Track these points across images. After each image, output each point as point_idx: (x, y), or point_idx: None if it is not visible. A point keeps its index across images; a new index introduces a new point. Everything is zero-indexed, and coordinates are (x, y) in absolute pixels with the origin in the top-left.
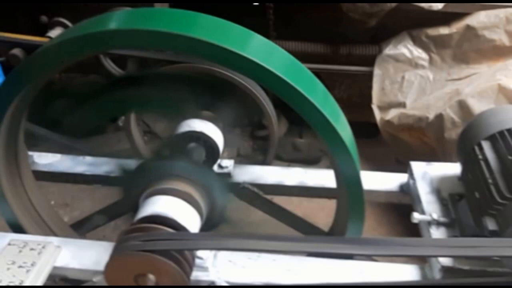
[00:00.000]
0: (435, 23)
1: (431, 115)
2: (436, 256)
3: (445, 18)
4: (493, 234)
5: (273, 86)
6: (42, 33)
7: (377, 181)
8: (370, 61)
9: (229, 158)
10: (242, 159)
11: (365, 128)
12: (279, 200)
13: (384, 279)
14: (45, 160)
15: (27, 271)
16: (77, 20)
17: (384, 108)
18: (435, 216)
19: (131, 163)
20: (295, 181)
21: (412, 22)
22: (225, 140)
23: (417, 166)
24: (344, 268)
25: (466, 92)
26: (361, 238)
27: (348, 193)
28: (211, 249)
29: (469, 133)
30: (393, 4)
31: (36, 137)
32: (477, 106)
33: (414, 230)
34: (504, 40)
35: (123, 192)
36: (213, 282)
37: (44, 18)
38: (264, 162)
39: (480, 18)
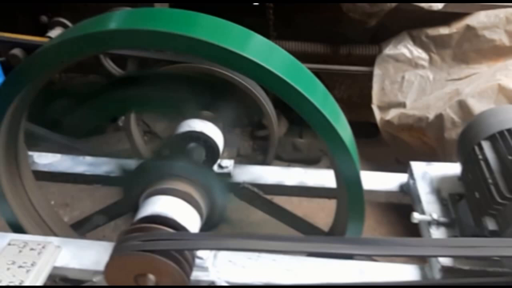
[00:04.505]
0: (435, 23)
1: (431, 115)
2: (436, 256)
3: (445, 18)
4: (493, 234)
5: (273, 86)
6: (42, 33)
7: (377, 181)
8: (370, 61)
9: (229, 158)
10: (242, 159)
11: (365, 128)
12: (279, 200)
13: (384, 279)
14: (45, 160)
15: (27, 271)
16: (77, 20)
17: (384, 108)
18: (435, 216)
19: (131, 163)
20: (295, 181)
21: (412, 22)
22: (225, 140)
23: (417, 166)
24: (344, 268)
25: (466, 92)
26: (361, 238)
27: (348, 193)
28: (211, 249)
29: (469, 133)
30: (393, 4)
31: (36, 137)
32: (477, 106)
33: (414, 230)
34: (504, 40)
35: (123, 192)
36: (213, 282)
37: (44, 18)
38: (264, 162)
39: (480, 18)
